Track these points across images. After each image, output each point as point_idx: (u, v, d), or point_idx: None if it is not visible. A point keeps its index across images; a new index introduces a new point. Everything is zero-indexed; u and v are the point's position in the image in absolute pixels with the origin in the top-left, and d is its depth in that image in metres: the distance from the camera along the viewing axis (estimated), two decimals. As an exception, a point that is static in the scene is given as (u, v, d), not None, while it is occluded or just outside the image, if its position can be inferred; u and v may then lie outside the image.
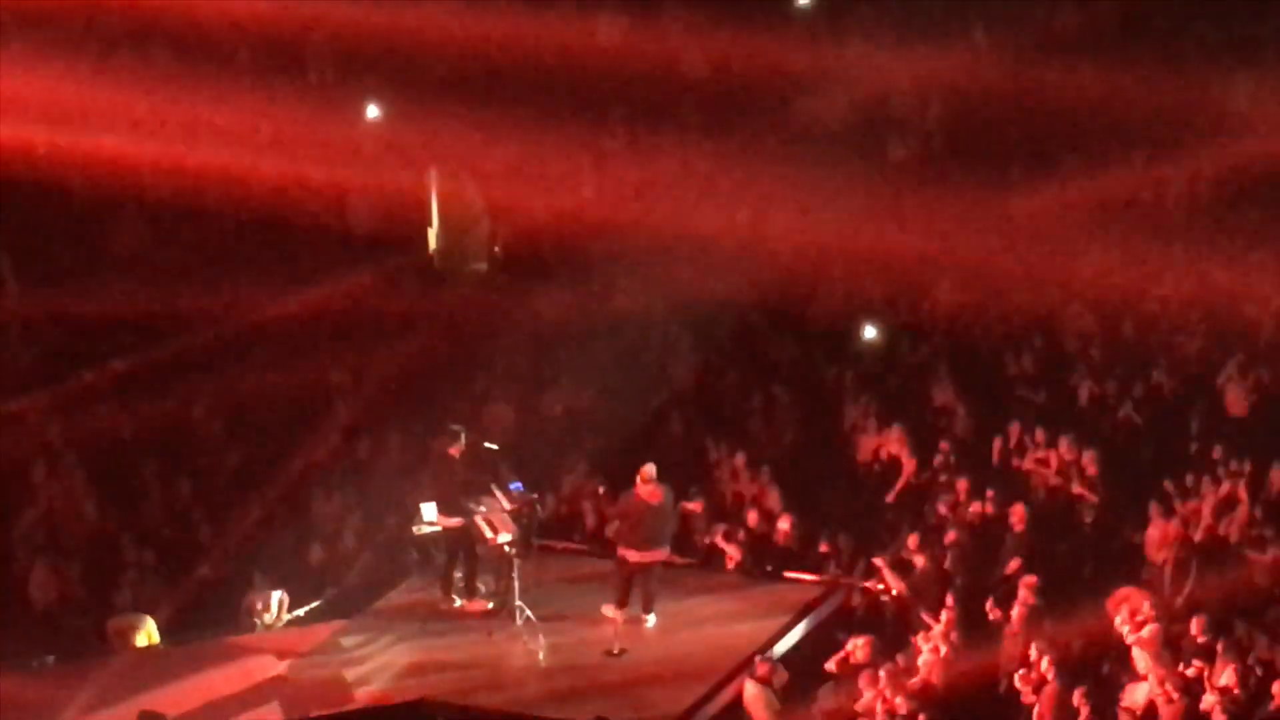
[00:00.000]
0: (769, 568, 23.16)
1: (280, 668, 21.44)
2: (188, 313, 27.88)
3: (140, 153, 29.66)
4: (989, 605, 21.48)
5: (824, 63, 30.38)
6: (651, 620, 21.70)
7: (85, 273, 28.33)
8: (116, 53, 30.35)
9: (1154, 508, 22.61)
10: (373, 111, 30.87)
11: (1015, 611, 21.18)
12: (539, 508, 23.68)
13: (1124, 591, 21.12)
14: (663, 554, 21.81)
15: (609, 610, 21.58)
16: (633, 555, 21.59)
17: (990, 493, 23.35)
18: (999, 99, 29.05)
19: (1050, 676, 19.83)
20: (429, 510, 22.15)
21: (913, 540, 22.61)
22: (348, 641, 22.02)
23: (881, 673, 20.17)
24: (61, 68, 28.62)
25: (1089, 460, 23.56)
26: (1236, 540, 22.21)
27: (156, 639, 22.27)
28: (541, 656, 20.97)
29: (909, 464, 24.67)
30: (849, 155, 28.95)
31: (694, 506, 23.72)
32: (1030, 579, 21.36)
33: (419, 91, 30.50)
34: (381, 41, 30.92)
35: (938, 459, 24.53)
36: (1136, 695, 19.81)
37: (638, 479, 21.60)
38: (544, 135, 30.10)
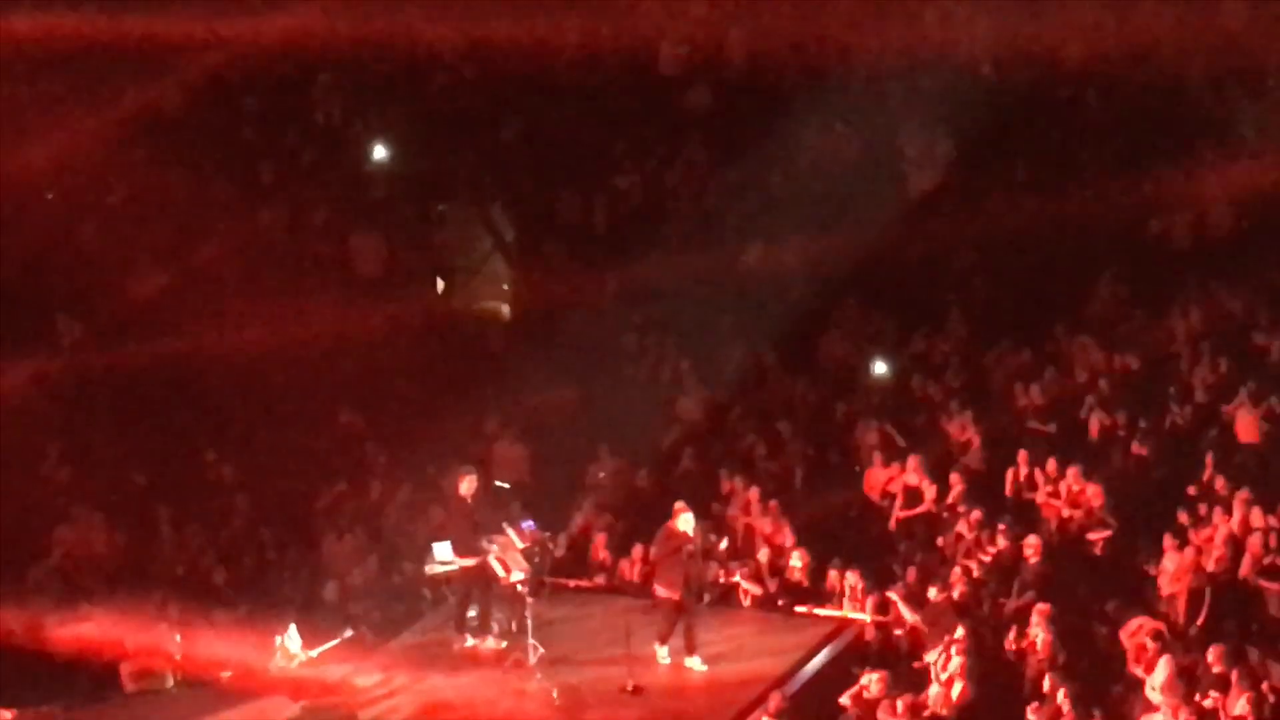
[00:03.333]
0: (783, 603, 23.13)
1: (295, 709, 21.43)
2: (198, 357, 28.04)
3: (147, 198, 29.93)
4: (1004, 638, 21.49)
5: (833, 94, 30.52)
6: (697, 663, 21.59)
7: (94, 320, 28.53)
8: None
9: (1167, 538, 22.59)
10: (379, 152, 31.04)
11: (1029, 643, 21.18)
12: (551, 545, 23.74)
13: (1138, 622, 21.11)
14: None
15: (661, 653, 21.48)
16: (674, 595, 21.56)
17: (1003, 525, 23.34)
18: (1008, 129, 29.13)
19: (1065, 709, 19.78)
20: (442, 550, 22.16)
21: (925, 573, 22.58)
22: (363, 681, 22.02)
23: (897, 706, 20.15)
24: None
25: (1098, 491, 23.55)
26: (1250, 569, 22.16)
27: (171, 682, 22.28)
28: (555, 694, 20.94)
29: (922, 496, 24.67)
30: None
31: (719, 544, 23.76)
32: (1044, 608, 21.37)
33: (428, 130, 30.67)
34: (389, 79, 31.14)
35: (950, 491, 24.51)
36: (1152, 726, 19.82)
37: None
38: (553, 173, 30.26)
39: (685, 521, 21.27)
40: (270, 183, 30.68)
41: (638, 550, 23.56)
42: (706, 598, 21.85)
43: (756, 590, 23.27)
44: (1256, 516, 22.57)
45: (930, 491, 24.58)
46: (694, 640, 21.44)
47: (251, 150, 31.03)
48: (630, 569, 23.68)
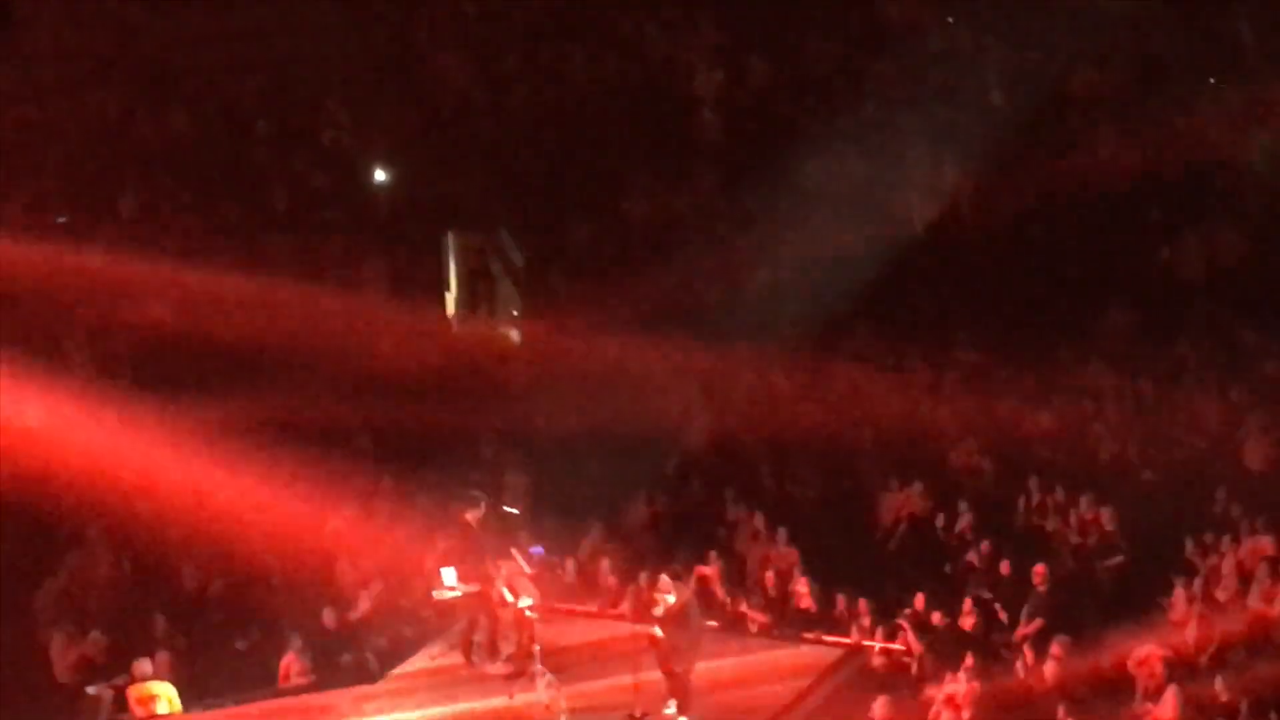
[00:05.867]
0: (790, 630, 23.09)
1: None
2: (206, 378, 28.08)
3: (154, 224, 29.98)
4: (1012, 665, 21.46)
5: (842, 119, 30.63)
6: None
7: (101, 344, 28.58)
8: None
9: (1177, 566, 22.56)
10: (380, 174, 31.17)
11: (1038, 671, 21.14)
12: (559, 572, 23.73)
13: (1146, 650, 21.06)
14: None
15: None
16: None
17: (1012, 552, 23.33)
18: (1017, 155, 29.19)
19: (1073, 736, 19.80)
20: (449, 575, 22.12)
21: (934, 600, 22.55)
22: (370, 707, 22.00)
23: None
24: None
25: (1109, 519, 23.52)
26: (1259, 597, 22.12)
27: (178, 706, 22.23)
28: (562, 720, 20.94)
29: (931, 523, 24.65)
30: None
31: (709, 571, 23.68)
32: (1053, 636, 21.34)
33: (436, 153, 30.73)
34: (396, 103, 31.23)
35: (959, 518, 24.49)
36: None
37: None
38: (559, 198, 30.30)
39: (662, 600, 20.97)
40: (280, 206, 30.72)
41: (643, 577, 23.49)
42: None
43: (763, 618, 23.23)
44: (1266, 545, 22.57)
45: (939, 518, 24.56)
46: (685, 702, 20.82)
47: (261, 173, 31.07)
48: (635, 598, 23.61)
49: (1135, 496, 24.58)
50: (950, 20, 31.61)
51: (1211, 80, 29.50)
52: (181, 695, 22.27)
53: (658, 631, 20.45)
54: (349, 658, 23.33)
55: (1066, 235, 28.66)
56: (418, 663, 23.04)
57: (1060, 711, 20.14)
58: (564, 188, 30.59)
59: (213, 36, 32.26)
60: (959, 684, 20.93)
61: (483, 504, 22.19)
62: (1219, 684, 20.26)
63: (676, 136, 31.03)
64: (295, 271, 29.76)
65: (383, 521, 25.86)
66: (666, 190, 30.69)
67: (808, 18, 31.92)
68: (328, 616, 23.75)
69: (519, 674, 21.65)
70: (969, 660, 21.18)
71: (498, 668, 22.09)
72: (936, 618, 22.28)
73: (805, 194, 30.06)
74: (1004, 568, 23.12)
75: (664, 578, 20.93)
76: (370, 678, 22.90)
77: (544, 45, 32.46)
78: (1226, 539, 22.86)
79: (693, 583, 23.15)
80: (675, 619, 20.42)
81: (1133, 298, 27.73)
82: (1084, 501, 23.97)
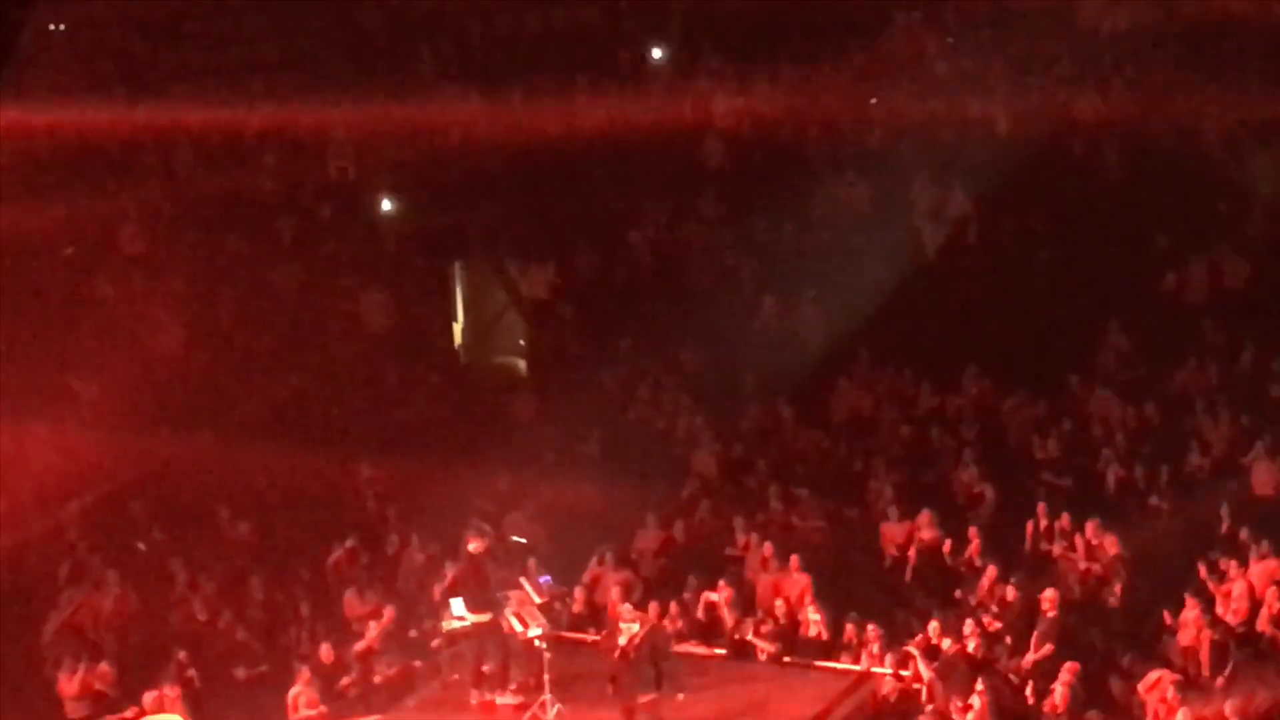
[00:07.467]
0: (800, 657, 23.05)
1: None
2: (210, 409, 28.12)
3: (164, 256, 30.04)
4: (1021, 692, 21.42)
5: (848, 150, 30.69)
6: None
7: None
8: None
9: (1187, 591, 22.53)
10: (387, 206, 31.24)
11: (1047, 697, 21.10)
12: (569, 601, 23.70)
13: (1156, 675, 21.03)
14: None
15: None
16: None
17: (1020, 578, 23.30)
18: (1023, 183, 29.24)
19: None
20: (458, 605, 22.13)
21: (944, 627, 22.51)
22: (379, 738, 22.03)
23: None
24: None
25: (1116, 544, 23.50)
26: (1267, 621, 22.08)
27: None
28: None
29: (938, 550, 24.61)
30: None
31: (719, 597, 23.67)
32: (1063, 663, 21.30)
33: (444, 184, 30.81)
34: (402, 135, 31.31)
35: (967, 545, 24.46)
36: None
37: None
38: (566, 229, 30.36)
39: (625, 629, 21.03)
40: (288, 238, 30.78)
41: (654, 607, 23.45)
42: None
43: (771, 647, 23.19)
44: (1275, 568, 22.54)
45: (947, 545, 24.54)
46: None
47: (268, 206, 31.14)
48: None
49: (1143, 521, 24.58)
50: (955, 48, 31.71)
51: (1213, 104, 29.53)
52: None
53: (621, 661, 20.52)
54: (358, 689, 23.29)
55: (1072, 260, 28.66)
56: (427, 693, 23.02)
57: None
58: (571, 218, 30.65)
59: (218, 69, 32.42)
60: (968, 711, 20.87)
61: (486, 536, 22.19)
62: (1229, 708, 20.20)
63: (684, 166, 31.10)
64: (303, 303, 29.88)
65: (392, 552, 25.84)
66: (673, 219, 30.73)
67: (813, 46, 32.02)
68: (325, 652, 23.60)
69: (529, 704, 21.65)
70: (978, 686, 21.10)
71: (507, 698, 22.08)
72: (946, 645, 22.23)
73: (811, 222, 30.12)
74: (1012, 594, 23.07)
75: (625, 607, 21.09)
76: (380, 709, 22.89)
77: (551, 75, 32.53)
78: (1235, 563, 22.82)
79: (704, 610, 23.23)
80: (639, 649, 20.49)
81: (1138, 322, 27.73)
82: (1091, 527, 23.90)
